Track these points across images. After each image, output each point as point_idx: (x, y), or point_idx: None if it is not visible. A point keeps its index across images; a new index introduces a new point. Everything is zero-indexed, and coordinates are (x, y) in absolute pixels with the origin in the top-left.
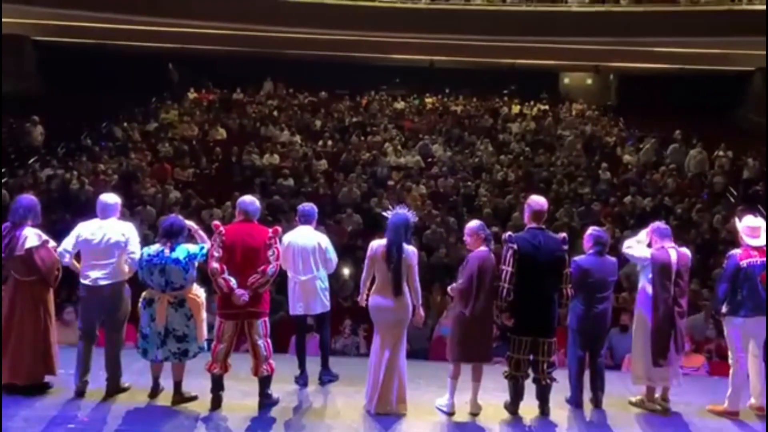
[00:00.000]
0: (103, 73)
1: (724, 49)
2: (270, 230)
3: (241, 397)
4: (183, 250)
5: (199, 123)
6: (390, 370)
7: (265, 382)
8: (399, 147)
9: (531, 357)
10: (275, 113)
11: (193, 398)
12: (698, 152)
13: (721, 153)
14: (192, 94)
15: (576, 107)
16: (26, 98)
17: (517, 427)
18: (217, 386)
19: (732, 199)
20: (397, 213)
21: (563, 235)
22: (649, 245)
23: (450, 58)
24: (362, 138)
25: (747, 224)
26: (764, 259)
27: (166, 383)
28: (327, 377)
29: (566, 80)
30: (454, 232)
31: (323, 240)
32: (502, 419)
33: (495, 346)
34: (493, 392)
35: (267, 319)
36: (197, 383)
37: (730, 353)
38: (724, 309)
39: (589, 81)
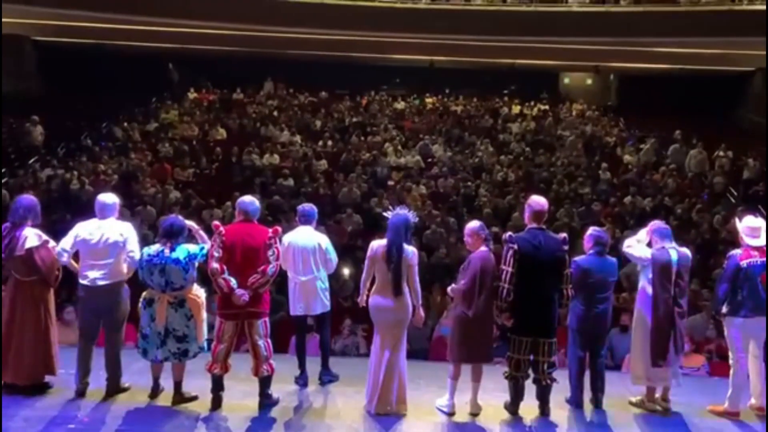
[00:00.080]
0: (103, 73)
1: (724, 50)
2: (270, 230)
3: (241, 397)
4: (183, 250)
5: (199, 123)
6: (390, 371)
7: (265, 383)
8: (399, 147)
9: (531, 357)
10: (275, 113)
11: (194, 398)
12: (698, 152)
13: (721, 153)
14: (192, 94)
15: (576, 107)
16: (26, 98)
17: (517, 427)
18: (218, 386)
19: (732, 200)
20: (397, 213)
21: (563, 235)
22: (649, 245)
23: (450, 58)
24: (362, 138)
25: (747, 224)
26: (764, 259)
27: (167, 383)
28: (327, 377)
29: (566, 80)
30: (454, 232)
31: (323, 240)
32: (502, 419)
33: (495, 346)
34: (493, 392)
35: (267, 319)
36: (197, 383)
37: (730, 353)
38: (724, 309)
39: (589, 81)
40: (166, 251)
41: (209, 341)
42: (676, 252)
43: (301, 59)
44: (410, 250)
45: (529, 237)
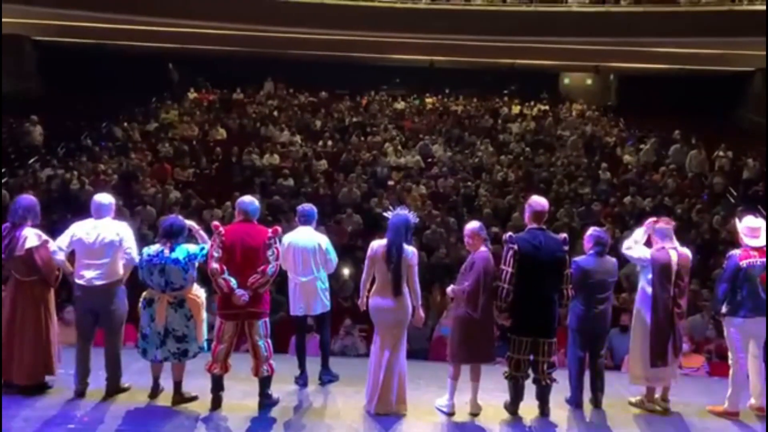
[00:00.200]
0: (103, 73)
1: (724, 50)
2: (270, 230)
3: (241, 397)
4: (183, 250)
5: (199, 123)
6: (390, 371)
7: (265, 383)
8: (399, 147)
9: (531, 357)
10: (275, 113)
11: (193, 398)
12: (698, 153)
13: (721, 153)
14: (192, 94)
15: (576, 107)
16: (26, 98)
17: (517, 427)
18: (217, 386)
19: (732, 200)
20: (397, 213)
21: (564, 235)
22: (648, 244)
23: (450, 58)
24: (362, 138)
25: (747, 225)
26: (764, 259)
27: (166, 383)
28: (327, 377)
29: (566, 80)
30: (454, 232)
31: (323, 241)
32: (502, 419)
33: (495, 346)
34: (493, 392)
35: (267, 319)
36: (197, 383)
37: (729, 354)
38: (723, 309)
39: (589, 81)
40: (166, 251)
41: (209, 341)
42: (675, 252)
43: (301, 59)
44: (410, 250)
45: (530, 237)
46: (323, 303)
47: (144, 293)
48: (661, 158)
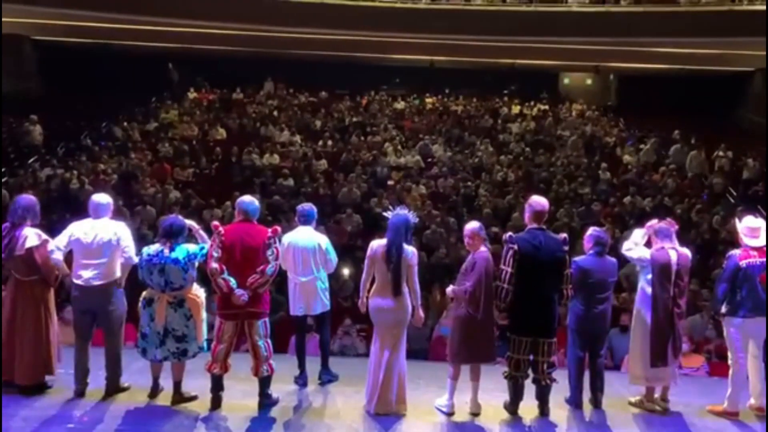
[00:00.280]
0: (103, 73)
1: (724, 50)
2: (269, 230)
3: (240, 397)
4: (182, 250)
5: (199, 123)
6: (390, 371)
7: (265, 383)
8: (399, 147)
9: (531, 357)
10: (275, 113)
11: (193, 398)
12: (698, 154)
13: (720, 153)
14: (192, 94)
15: (576, 107)
16: (26, 98)
17: (517, 427)
18: (217, 386)
19: (732, 200)
20: (397, 213)
21: (564, 235)
22: (648, 244)
23: (450, 58)
24: (362, 138)
25: (747, 225)
26: (764, 259)
27: (166, 383)
28: (327, 377)
29: (566, 80)
30: (454, 232)
31: (323, 240)
32: (501, 419)
33: (495, 346)
34: (493, 392)
35: (267, 319)
36: (197, 383)
37: (729, 353)
38: (723, 309)
39: (589, 81)
40: (166, 251)
41: (209, 341)
42: (675, 252)
43: (301, 59)
44: (410, 250)
45: (530, 237)
46: (323, 303)
47: (144, 293)
48: (661, 158)
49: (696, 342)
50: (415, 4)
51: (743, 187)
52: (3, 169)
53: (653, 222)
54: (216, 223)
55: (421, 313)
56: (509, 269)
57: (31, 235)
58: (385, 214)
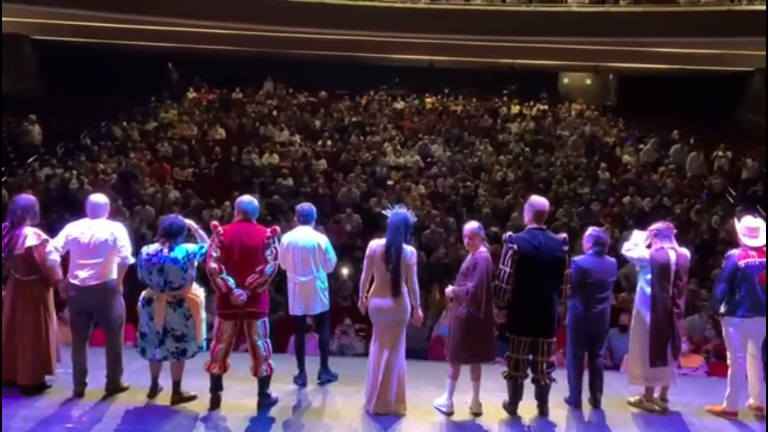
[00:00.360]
0: (103, 73)
1: (723, 50)
2: (268, 230)
3: (240, 397)
4: (182, 249)
5: (198, 122)
6: (389, 370)
7: (264, 382)
8: (398, 147)
9: (530, 357)
10: (275, 113)
11: (192, 398)
12: (698, 155)
13: (720, 153)
14: (191, 94)
15: (575, 107)
16: (26, 98)
17: (516, 426)
18: (216, 386)
19: (731, 200)
20: (396, 212)
21: (563, 235)
22: (650, 246)
23: (450, 58)
24: (362, 138)
25: (746, 224)
26: (763, 259)
27: (165, 383)
28: (326, 377)
29: (566, 80)
30: (453, 232)
31: (322, 240)
32: (501, 419)
33: (495, 345)
34: (493, 392)
35: (266, 319)
36: (196, 383)
37: (728, 353)
38: (722, 309)
39: (589, 81)
40: (165, 251)
41: (208, 341)
42: (674, 253)
43: (300, 59)
44: (409, 250)
45: (529, 237)
46: (322, 303)
47: (143, 292)
48: (661, 158)
49: (695, 342)
50: (414, 3)
51: (742, 187)
52: (2, 169)
53: (655, 225)
54: (215, 222)
55: (420, 312)
56: (508, 269)
57: (30, 235)
58: (384, 212)
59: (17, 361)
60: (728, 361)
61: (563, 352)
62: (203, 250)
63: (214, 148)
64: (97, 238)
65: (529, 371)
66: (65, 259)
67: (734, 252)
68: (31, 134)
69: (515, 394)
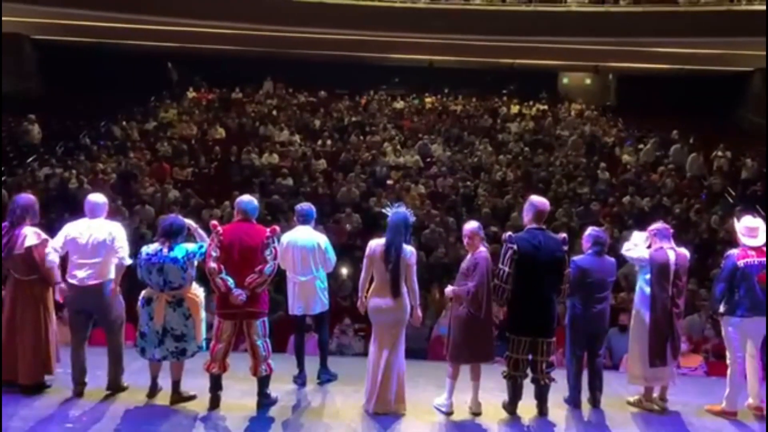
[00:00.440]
0: (103, 73)
1: (723, 50)
2: (268, 230)
3: (239, 397)
4: (181, 249)
5: (198, 122)
6: (389, 370)
7: (263, 382)
8: (398, 147)
9: (530, 357)
10: (274, 113)
11: (192, 398)
12: (698, 156)
13: (719, 153)
14: (191, 94)
15: (575, 107)
16: (26, 98)
17: (516, 426)
18: (216, 386)
19: (730, 200)
20: (396, 211)
21: (563, 235)
22: (649, 246)
23: (450, 58)
24: (361, 138)
25: (745, 224)
26: (762, 259)
27: (165, 382)
28: (326, 377)
29: (565, 80)
30: (452, 231)
31: (322, 240)
32: (500, 419)
33: (494, 345)
34: (493, 392)
35: (266, 318)
36: (196, 383)
37: (727, 353)
38: (721, 309)
39: (589, 81)
40: (165, 250)
41: (208, 340)
42: (674, 252)
43: (300, 58)
44: (409, 249)
45: (529, 237)
46: (322, 302)
47: (143, 292)
48: (661, 158)
49: (694, 341)
50: (414, 3)
51: (742, 187)
52: (2, 169)
53: (654, 225)
54: (215, 222)
55: (420, 312)
56: (507, 269)
57: (30, 235)
58: (384, 211)
59: (17, 361)
60: (727, 361)
61: (563, 351)
62: (203, 250)
63: (213, 147)
64: (95, 238)
65: (528, 371)
66: (64, 259)
67: (733, 252)
68: (31, 134)
69: (515, 394)
